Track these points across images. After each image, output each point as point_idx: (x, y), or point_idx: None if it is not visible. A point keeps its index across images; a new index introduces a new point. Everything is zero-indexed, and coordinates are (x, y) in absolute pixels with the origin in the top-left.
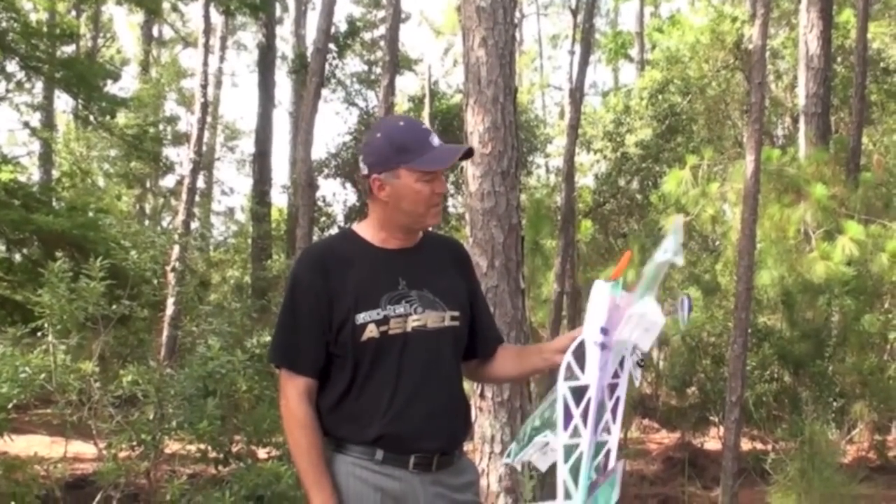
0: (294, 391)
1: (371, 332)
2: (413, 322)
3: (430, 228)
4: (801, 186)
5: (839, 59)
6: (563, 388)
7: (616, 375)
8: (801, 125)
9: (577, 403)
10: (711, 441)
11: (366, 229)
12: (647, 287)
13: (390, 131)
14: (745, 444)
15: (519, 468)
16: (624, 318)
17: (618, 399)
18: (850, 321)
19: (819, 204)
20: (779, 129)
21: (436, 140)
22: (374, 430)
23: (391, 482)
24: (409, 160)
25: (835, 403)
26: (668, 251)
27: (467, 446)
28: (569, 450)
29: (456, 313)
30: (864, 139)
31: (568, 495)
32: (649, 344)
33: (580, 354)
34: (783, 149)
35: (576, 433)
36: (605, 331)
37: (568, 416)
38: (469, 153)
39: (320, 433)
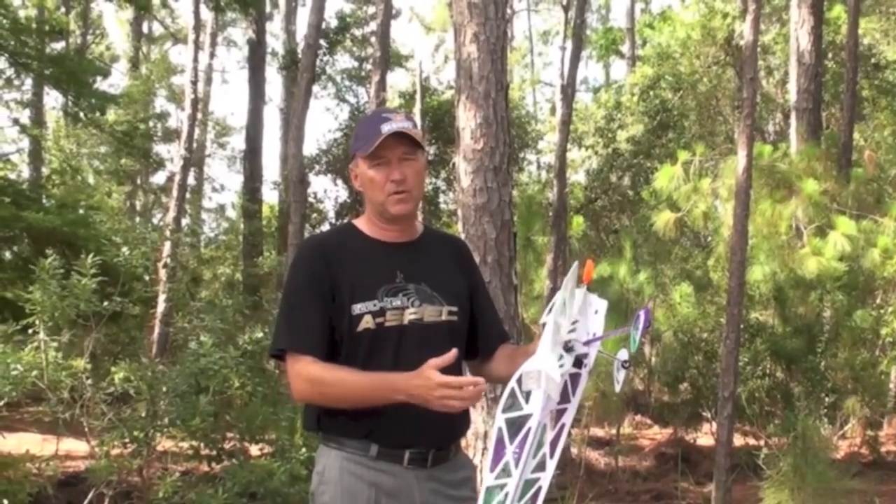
0: (303, 367)
1: (367, 323)
2: (410, 315)
3: (426, 223)
4: (792, 182)
5: (830, 55)
6: (499, 419)
7: (567, 399)
8: (793, 121)
9: (513, 438)
10: (704, 437)
11: (363, 222)
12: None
13: (358, 122)
14: (738, 440)
15: None
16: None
17: (562, 427)
18: (842, 317)
19: (811, 199)
20: (770, 125)
21: (388, 126)
22: (368, 425)
23: (385, 478)
24: (358, 147)
25: (827, 399)
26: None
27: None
28: (491, 492)
29: (454, 308)
30: (856, 135)
31: None
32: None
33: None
34: (774, 144)
35: (505, 472)
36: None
37: (499, 453)
38: (404, 135)
39: (341, 366)
